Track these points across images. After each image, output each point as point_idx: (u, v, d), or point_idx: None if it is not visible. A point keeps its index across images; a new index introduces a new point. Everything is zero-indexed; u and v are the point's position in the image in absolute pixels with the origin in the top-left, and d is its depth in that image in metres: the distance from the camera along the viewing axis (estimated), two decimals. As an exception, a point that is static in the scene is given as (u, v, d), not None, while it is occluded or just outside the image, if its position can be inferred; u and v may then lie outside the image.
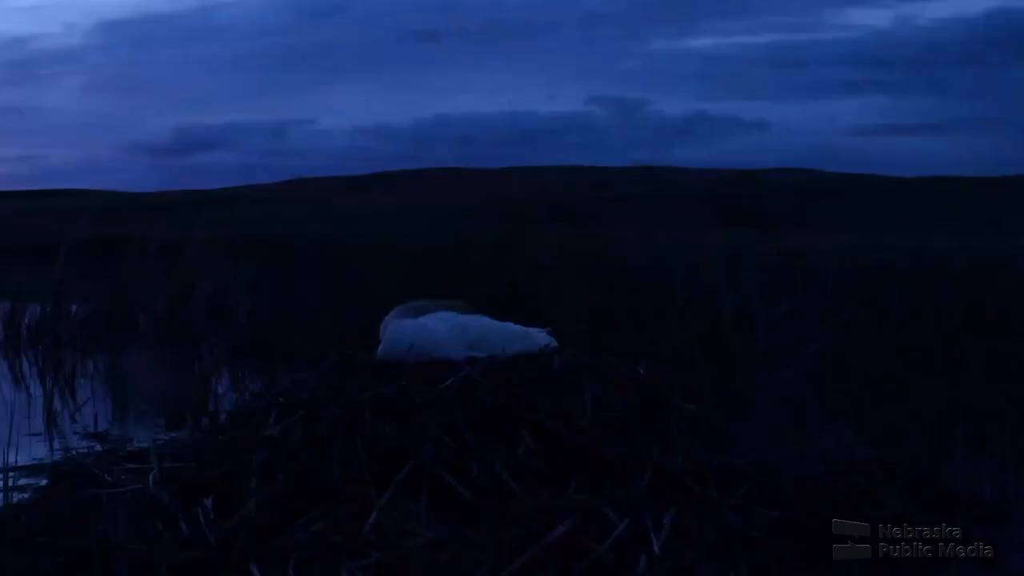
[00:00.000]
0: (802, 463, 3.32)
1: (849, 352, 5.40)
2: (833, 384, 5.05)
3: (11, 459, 3.64)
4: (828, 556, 2.65)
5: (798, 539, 2.74)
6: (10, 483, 3.34)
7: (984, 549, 2.93)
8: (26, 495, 3.23)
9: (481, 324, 3.48)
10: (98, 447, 4.11)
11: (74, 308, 8.26)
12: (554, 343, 3.53)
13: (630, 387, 3.30)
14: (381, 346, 3.44)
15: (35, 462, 3.78)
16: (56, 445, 4.17)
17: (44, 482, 3.41)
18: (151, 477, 3.10)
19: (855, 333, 5.46)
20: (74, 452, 3.97)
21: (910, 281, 5.36)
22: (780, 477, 3.05)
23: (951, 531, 3.00)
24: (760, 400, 4.48)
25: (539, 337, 3.53)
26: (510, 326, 3.54)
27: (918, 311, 4.98)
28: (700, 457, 3.03)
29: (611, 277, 8.36)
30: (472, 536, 2.59)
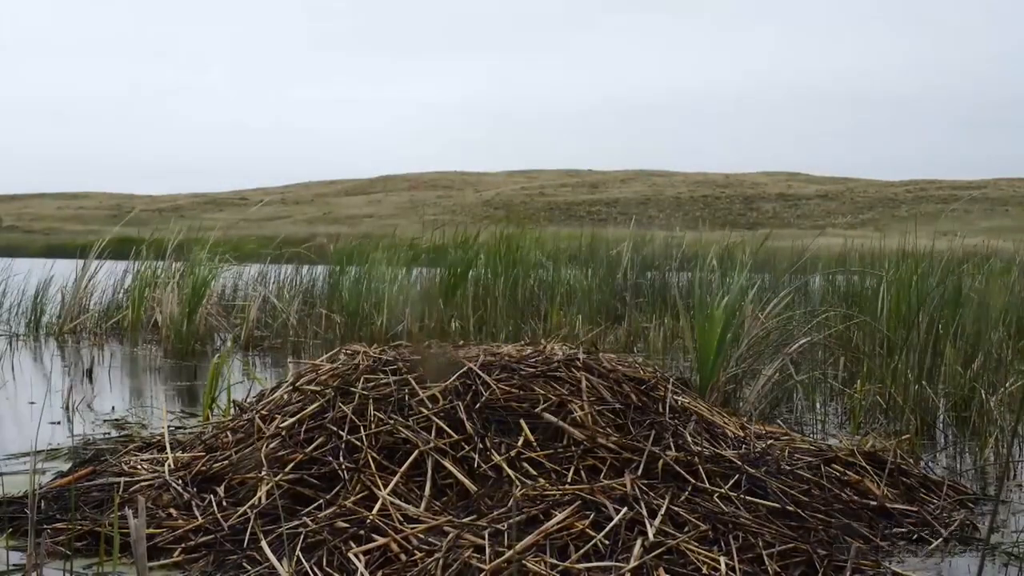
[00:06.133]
0: (789, 453, 3.33)
1: (834, 345, 5.40)
2: (819, 376, 5.06)
3: (33, 445, 3.63)
4: (814, 541, 2.65)
5: (785, 525, 2.74)
6: (31, 468, 3.34)
7: (964, 529, 2.94)
8: (47, 480, 3.23)
9: None
10: (115, 434, 4.11)
11: (93, 302, 8.28)
12: None
13: (625, 380, 3.29)
14: None
15: (55, 448, 3.78)
16: (75, 432, 4.16)
17: (64, 467, 3.41)
18: (166, 465, 3.10)
19: (840, 326, 5.47)
20: (92, 439, 3.96)
21: (893, 277, 5.35)
22: (768, 466, 3.06)
23: (934, 513, 3.00)
24: (749, 392, 4.48)
25: None
26: None
27: (900, 306, 4.98)
28: (692, 448, 3.03)
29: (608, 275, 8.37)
30: (474, 522, 2.58)
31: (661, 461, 2.89)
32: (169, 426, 3.56)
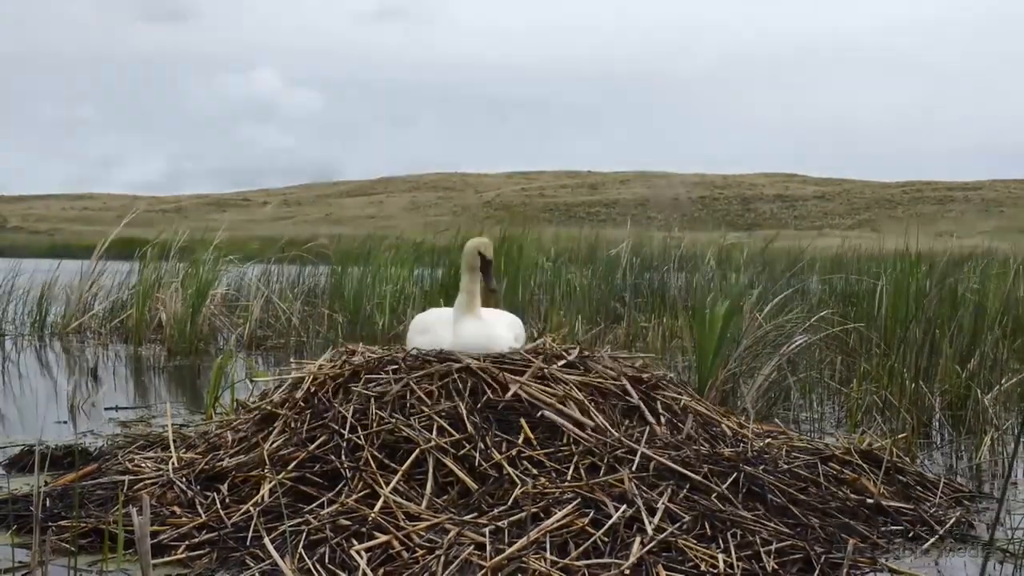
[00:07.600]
0: (786, 451, 3.32)
1: (832, 346, 5.40)
2: (816, 376, 5.05)
3: (38, 444, 3.63)
4: (811, 538, 2.65)
5: (783, 523, 2.74)
6: (36, 466, 3.34)
7: (960, 526, 2.94)
8: (52, 478, 3.22)
9: None
10: (119, 433, 4.11)
11: (97, 303, 8.27)
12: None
13: (625, 380, 3.29)
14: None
15: (61, 446, 3.77)
16: (80, 430, 4.16)
17: (69, 465, 3.41)
18: (170, 463, 3.10)
19: (837, 328, 5.46)
20: (97, 437, 3.96)
21: (890, 278, 5.35)
22: (766, 465, 3.05)
23: (930, 511, 3.01)
24: (747, 391, 4.48)
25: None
26: None
27: (896, 307, 4.98)
28: (690, 446, 3.03)
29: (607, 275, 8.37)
30: (474, 520, 2.58)
31: (660, 459, 2.89)
32: (173, 425, 3.56)
